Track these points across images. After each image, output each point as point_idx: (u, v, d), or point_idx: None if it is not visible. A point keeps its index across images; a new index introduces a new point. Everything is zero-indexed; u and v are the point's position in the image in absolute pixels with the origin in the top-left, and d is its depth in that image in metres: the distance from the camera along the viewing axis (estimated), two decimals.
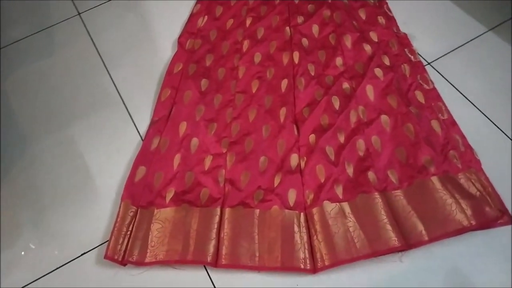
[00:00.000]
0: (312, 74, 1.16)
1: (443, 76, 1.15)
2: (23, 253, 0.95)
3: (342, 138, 1.03)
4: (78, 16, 1.43)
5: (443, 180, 0.94)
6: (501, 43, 1.20)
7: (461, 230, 0.87)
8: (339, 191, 0.94)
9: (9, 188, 1.05)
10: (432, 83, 1.12)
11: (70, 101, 1.21)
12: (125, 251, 0.89)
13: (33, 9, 1.48)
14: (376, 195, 0.92)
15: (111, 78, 1.25)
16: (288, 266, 0.86)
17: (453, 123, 1.04)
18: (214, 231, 0.90)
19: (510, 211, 0.89)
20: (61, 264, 0.93)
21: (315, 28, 1.27)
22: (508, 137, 1.03)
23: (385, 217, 0.88)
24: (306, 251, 0.87)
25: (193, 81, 1.18)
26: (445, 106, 1.07)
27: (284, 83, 1.15)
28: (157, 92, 1.19)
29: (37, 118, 1.18)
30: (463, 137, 1.01)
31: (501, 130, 1.04)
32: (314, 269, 0.85)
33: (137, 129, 1.13)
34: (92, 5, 1.46)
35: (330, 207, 0.92)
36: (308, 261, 0.86)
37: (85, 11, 1.44)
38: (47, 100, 1.22)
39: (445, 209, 0.89)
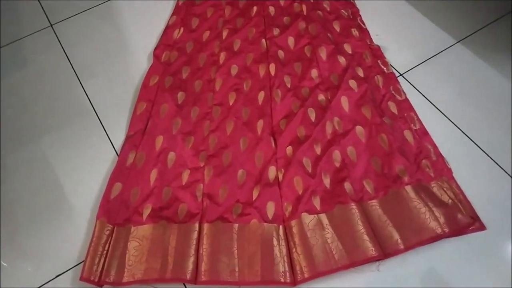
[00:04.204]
0: (289, 86, 1.17)
1: (414, 87, 1.19)
2: None
3: (318, 150, 1.04)
4: (50, 27, 1.40)
5: (416, 189, 0.96)
6: (469, 54, 1.25)
7: (435, 238, 0.89)
8: (316, 202, 0.95)
9: None
10: (404, 94, 1.15)
11: (42, 115, 1.18)
12: (101, 272, 0.87)
13: (2, 20, 1.44)
14: (353, 205, 0.94)
15: (85, 92, 1.22)
16: (268, 280, 0.86)
17: (425, 132, 1.07)
18: (193, 247, 0.89)
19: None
20: (36, 287, 0.89)
21: (290, 40, 1.28)
22: (477, 144, 1.06)
23: (362, 227, 0.90)
24: (286, 264, 0.87)
25: (169, 94, 1.17)
26: (417, 116, 1.10)
27: (261, 95, 1.16)
28: (132, 105, 1.17)
29: (8, 133, 1.15)
30: (434, 146, 1.05)
31: (470, 139, 1.08)
32: (294, 282, 0.86)
33: (112, 144, 1.11)
34: (65, 16, 1.43)
35: (308, 219, 0.93)
36: (288, 274, 0.86)
37: (57, 23, 1.41)
38: (19, 114, 1.19)
39: (419, 217, 0.91)
